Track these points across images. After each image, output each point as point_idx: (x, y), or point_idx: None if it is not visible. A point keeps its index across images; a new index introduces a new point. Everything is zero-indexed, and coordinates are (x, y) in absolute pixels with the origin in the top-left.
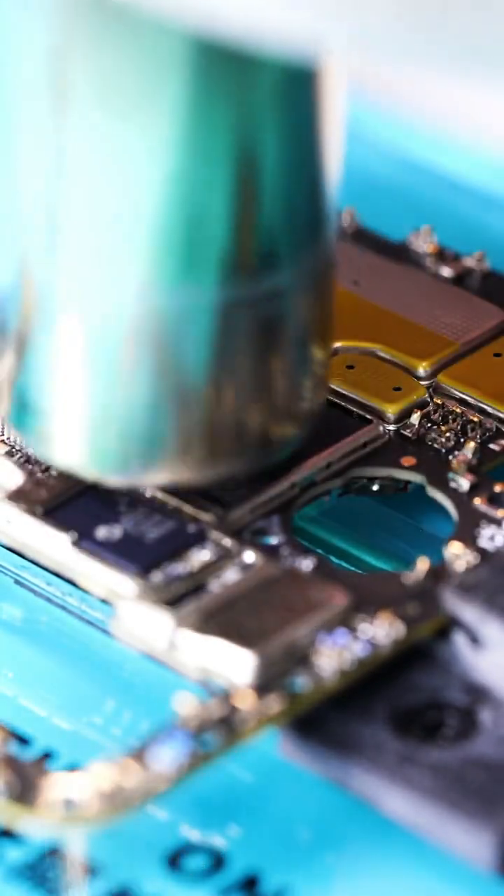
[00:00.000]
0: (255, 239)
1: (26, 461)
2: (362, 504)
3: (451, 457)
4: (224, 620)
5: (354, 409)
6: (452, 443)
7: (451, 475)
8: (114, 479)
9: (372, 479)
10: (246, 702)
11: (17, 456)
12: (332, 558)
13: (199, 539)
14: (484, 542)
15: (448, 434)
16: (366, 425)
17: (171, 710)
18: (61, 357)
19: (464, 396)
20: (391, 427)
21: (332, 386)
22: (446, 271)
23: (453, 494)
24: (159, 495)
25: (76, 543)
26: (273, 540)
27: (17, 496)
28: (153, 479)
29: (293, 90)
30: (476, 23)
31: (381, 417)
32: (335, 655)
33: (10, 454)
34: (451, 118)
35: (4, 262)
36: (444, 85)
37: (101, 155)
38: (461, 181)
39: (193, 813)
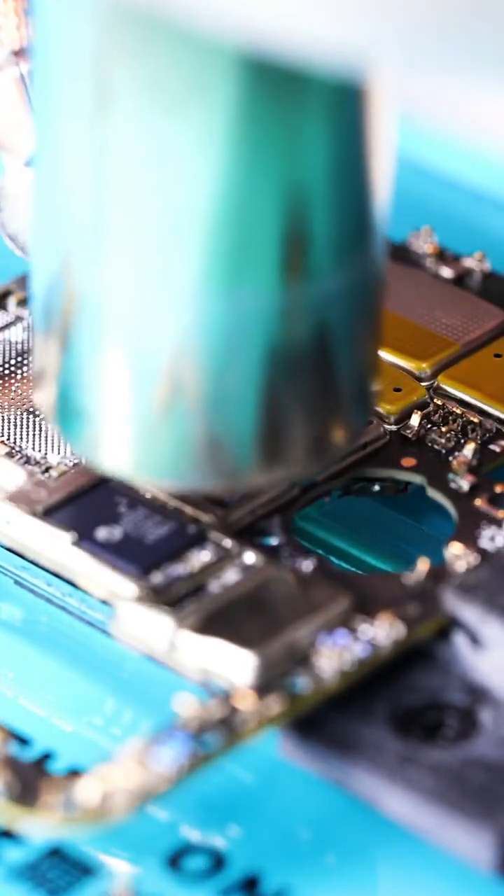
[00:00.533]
0: (306, 242)
1: (26, 462)
2: (363, 505)
3: (451, 458)
4: (224, 621)
5: None
6: (453, 444)
7: (451, 476)
8: (168, 483)
9: (372, 480)
10: (246, 702)
11: (18, 457)
12: (333, 559)
13: (200, 540)
14: (484, 543)
15: (448, 435)
16: (366, 426)
17: (172, 710)
18: (113, 363)
19: (464, 397)
20: (391, 428)
21: None
22: (446, 272)
23: (453, 495)
24: (160, 496)
25: (76, 544)
26: (273, 541)
27: (17, 497)
28: (206, 484)
29: (342, 97)
30: (487, 24)
31: (382, 418)
32: (335, 656)
33: (10, 455)
34: (451, 119)
35: (46, 261)
36: (445, 86)
37: (146, 156)
38: (461, 182)
39: (194, 813)
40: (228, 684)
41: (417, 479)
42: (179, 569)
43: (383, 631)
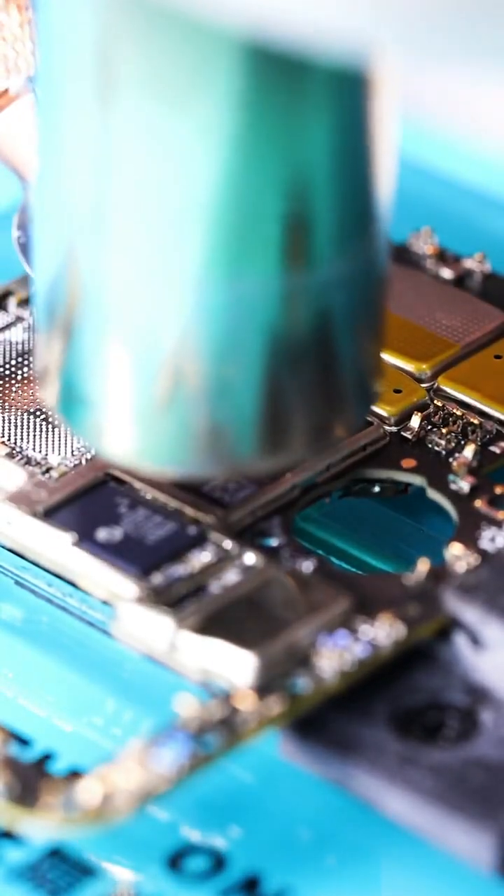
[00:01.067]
0: (308, 230)
1: (27, 463)
2: (363, 506)
3: (451, 459)
4: (224, 622)
5: None
6: (453, 445)
7: (451, 477)
8: (170, 471)
9: (372, 482)
10: (246, 703)
11: (18, 457)
12: (333, 559)
13: (200, 541)
14: (484, 544)
15: (448, 436)
16: (366, 427)
17: (172, 711)
18: (115, 351)
19: (464, 399)
20: (391, 429)
21: None
22: (447, 273)
23: (454, 496)
24: (160, 496)
25: (77, 545)
26: (274, 541)
27: (17, 497)
28: (210, 470)
29: (345, 85)
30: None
31: (382, 419)
32: (336, 656)
33: (10, 455)
34: (451, 119)
35: (50, 254)
36: (447, 75)
37: (149, 145)
38: (462, 182)
39: (194, 814)
40: (228, 684)
41: (418, 480)
42: (180, 569)
43: (384, 631)
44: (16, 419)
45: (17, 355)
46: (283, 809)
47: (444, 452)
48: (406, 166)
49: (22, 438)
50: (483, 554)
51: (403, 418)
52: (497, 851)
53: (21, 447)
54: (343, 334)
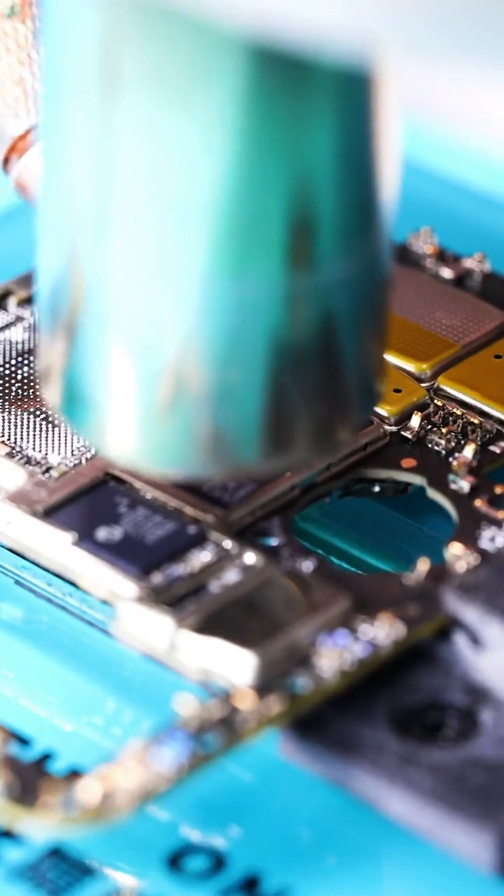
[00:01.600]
0: (312, 231)
1: (27, 462)
2: (363, 505)
3: (451, 458)
4: (224, 621)
5: None
6: (453, 444)
7: (451, 477)
8: (172, 472)
9: (372, 481)
10: (246, 702)
11: (18, 457)
12: (333, 559)
13: (200, 540)
14: (484, 544)
15: (448, 436)
16: (366, 427)
17: (172, 710)
18: (118, 351)
19: (464, 398)
20: (392, 429)
21: None
22: (446, 272)
23: (454, 496)
24: (160, 496)
25: (76, 544)
26: (274, 541)
27: (17, 497)
28: (213, 472)
29: (347, 87)
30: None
31: (382, 419)
32: (336, 656)
33: (10, 455)
34: (451, 120)
35: (53, 254)
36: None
37: (153, 145)
38: (461, 182)
39: (194, 813)
40: (228, 684)
41: (418, 479)
42: (179, 569)
43: (383, 631)
44: (16, 418)
45: (17, 355)
46: (283, 809)
47: (444, 452)
48: (406, 166)
49: (22, 438)
50: (483, 554)
51: (403, 418)
52: (497, 851)
53: (21, 447)
54: (347, 336)
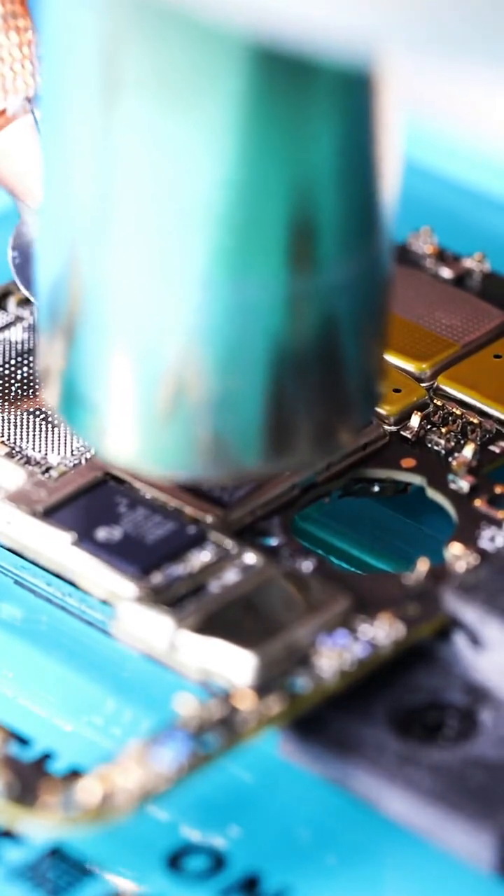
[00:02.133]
0: (313, 233)
1: (27, 462)
2: (363, 505)
3: (451, 458)
4: (224, 621)
5: None
6: (452, 444)
7: (451, 477)
8: (172, 475)
9: (372, 481)
10: (246, 702)
11: (18, 457)
12: (333, 559)
13: (200, 540)
14: (484, 543)
15: (448, 435)
16: (366, 427)
17: (172, 710)
18: (118, 354)
19: (464, 398)
20: (391, 428)
21: None
22: (446, 272)
23: (453, 496)
24: (160, 496)
25: (76, 544)
26: (274, 541)
27: (17, 497)
28: (213, 474)
29: (348, 89)
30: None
31: (381, 419)
32: (335, 656)
33: (10, 455)
34: (450, 120)
35: (53, 256)
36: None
37: (154, 147)
38: (461, 182)
39: (194, 813)
40: (228, 684)
41: (417, 479)
42: (179, 569)
43: (383, 631)
44: (16, 419)
45: (17, 355)
46: (283, 809)
47: (443, 452)
48: (406, 166)
49: (22, 438)
50: (483, 553)
51: (403, 418)
52: (497, 851)
53: (21, 447)
54: (348, 338)
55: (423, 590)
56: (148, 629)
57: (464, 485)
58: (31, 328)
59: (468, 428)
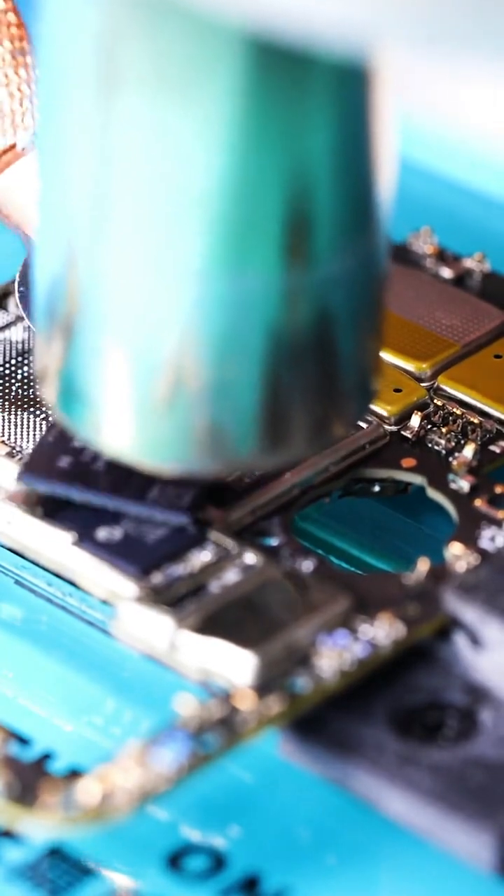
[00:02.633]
0: (310, 226)
1: None
2: (363, 505)
3: (451, 458)
4: (224, 621)
5: None
6: (453, 444)
7: (451, 476)
8: (169, 467)
9: (372, 481)
10: (246, 702)
11: (18, 457)
12: (333, 559)
13: (200, 540)
14: (484, 543)
15: (448, 435)
16: (366, 426)
17: (172, 710)
18: (116, 348)
19: (464, 398)
20: (391, 428)
21: None
22: (446, 272)
23: (454, 496)
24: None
25: (77, 544)
26: (274, 541)
27: (17, 497)
28: (210, 467)
29: (344, 83)
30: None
31: (382, 419)
32: (335, 656)
33: (10, 455)
34: (450, 120)
35: (50, 250)
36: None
37: (152, 139)
38: (461, 182)
39: (194, 813)
40: (228, 684)
41: (417, 479)
42: (179, 569)
43: (383, 631)
44: (15, 418)
45: (17, 355)
46: (283, 809)
47: (443, 452)
48: (406, 166)
49: (22, 438)
50: (483, 553)
51: (403, 417)
52: (497, 851)
53: (21, 446)
54: (343, 332)
55: (423, 590)
56: (148, 629)
57: (464, 485)
58: (32, 328)
59: (468, 428)
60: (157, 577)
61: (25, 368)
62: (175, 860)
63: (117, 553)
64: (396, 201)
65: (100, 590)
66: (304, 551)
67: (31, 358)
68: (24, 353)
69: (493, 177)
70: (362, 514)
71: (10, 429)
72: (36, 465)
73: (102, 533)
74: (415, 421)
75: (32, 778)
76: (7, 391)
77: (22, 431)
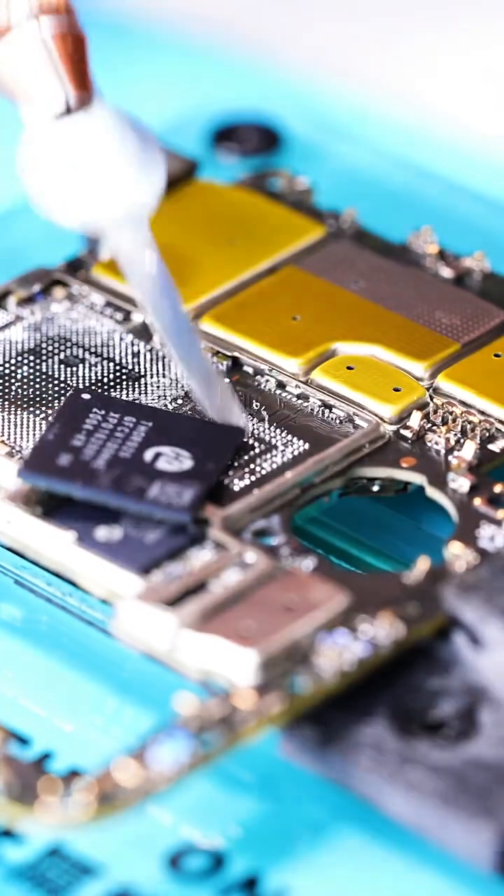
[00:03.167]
0: None
1: None
2: (362, 504)
3: (450, 457)
4: (224, 620)
5: (354, 410)
6: (452, 443)
7: (451, 476)
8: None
9: (372, 480)
10: (246, 702)
11: (18, 456)
12: (333, 558)
13: (200, 539)
14: (484, 543)
15: (448, 435)
16: (366, 426)
17: (172, 710)
18: None
19: (464, 397)
20: (391, 428)
21: (333, 386)
22: (446, 272)
23: (453, 495)
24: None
25: (77, 544)
26: (273, 540)
27: (17, 496)
28: None
29: None
30: None
31: (381, 418)
32: (336, 655)
33: (10, 455)
34: (450, 121)
35: None
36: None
37: None
38: (461, 182)
39: (194, 813)
40: (228, 683)
41: (417, 478)
42: (179, 568)
43: (383, 630)
44: (16, 419)
45: (17, 355)
46: (283, 809)
47: (443, 451)
48: (406, 166)
49: (22, 438)
50: (482, 553)
51: (403, 417)
52: (497, 851)
53: (21, 446)
54: None
55: (423, 589)
56: (148, 629)
57: (464, 484)
58: (32, 328)
59: (468, 427)
60: (157, 577)
61: (25, 368)
62: (175, 860)
63: (117, 552)
64: (396, 201)
65: (99, 589)
66: (303, 550)
67: (31, 357)
68: (24, 353)
69: (493, 177)
70: (362, 513)
71: (10, 429)
72: (36, 462)
73: (102, 532)
74: (414, 420)
75: (32, 778)
76: (7, 391)
77: (22, 431)
